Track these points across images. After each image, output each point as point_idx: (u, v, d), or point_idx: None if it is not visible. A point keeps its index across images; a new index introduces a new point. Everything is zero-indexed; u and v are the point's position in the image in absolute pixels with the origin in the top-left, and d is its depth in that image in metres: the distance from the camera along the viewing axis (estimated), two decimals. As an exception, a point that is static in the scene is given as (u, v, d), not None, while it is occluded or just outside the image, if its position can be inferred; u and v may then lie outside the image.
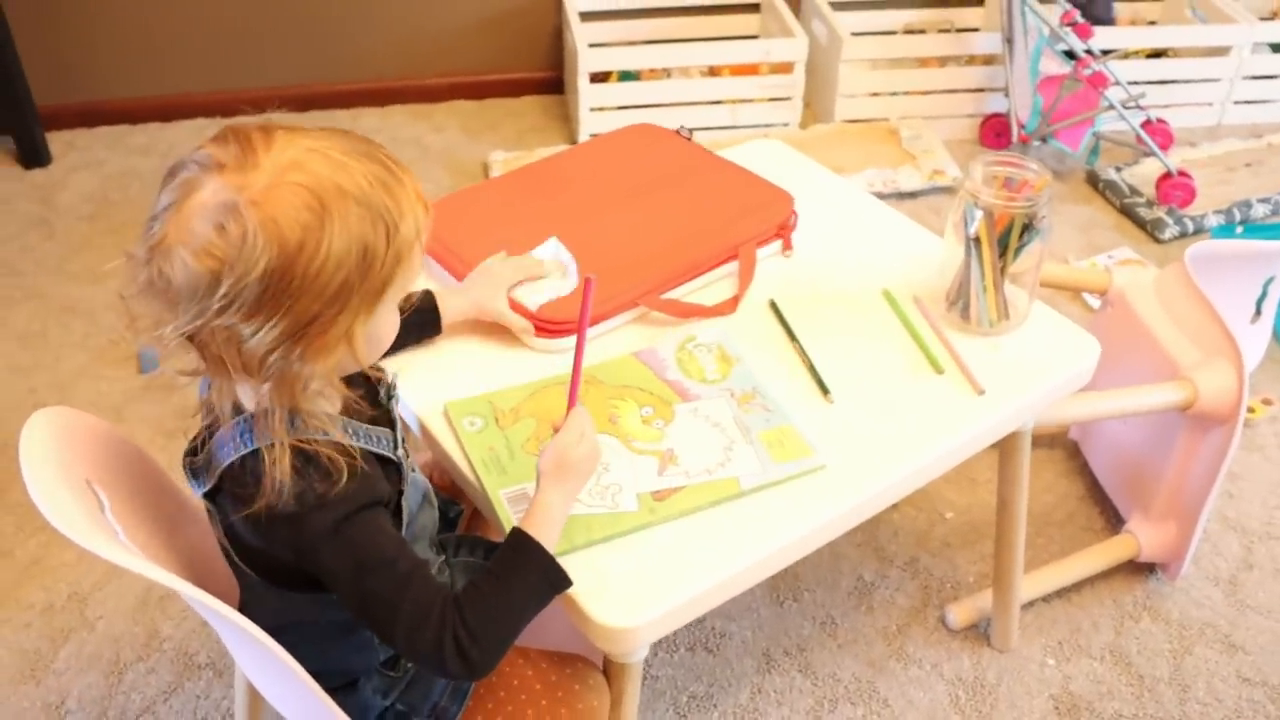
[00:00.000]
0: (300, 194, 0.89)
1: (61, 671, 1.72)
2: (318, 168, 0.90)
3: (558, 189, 1.58)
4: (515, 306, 1.36)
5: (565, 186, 1.58)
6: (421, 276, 1.44)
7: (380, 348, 1.02)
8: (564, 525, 1.09)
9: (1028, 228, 1.35)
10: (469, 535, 1.31)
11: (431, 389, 1.30)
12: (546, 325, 1.35)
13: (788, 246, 1.53)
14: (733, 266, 1.49)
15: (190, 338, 0.93)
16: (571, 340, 1.35)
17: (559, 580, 1.04)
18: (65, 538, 0.91)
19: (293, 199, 0.88)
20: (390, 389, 1.12)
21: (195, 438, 1.03)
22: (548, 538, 1.05)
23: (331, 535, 0.96)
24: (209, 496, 1.02)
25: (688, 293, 1.45)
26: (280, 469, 0.94)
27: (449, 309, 1.35)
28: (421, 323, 1.33)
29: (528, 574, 1.03)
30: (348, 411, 1.03)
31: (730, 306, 1.43)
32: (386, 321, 1.00)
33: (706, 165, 1.62)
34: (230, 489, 0.99)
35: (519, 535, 1.05)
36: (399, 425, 1.10)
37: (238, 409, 0.98)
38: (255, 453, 0.96)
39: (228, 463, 0.98)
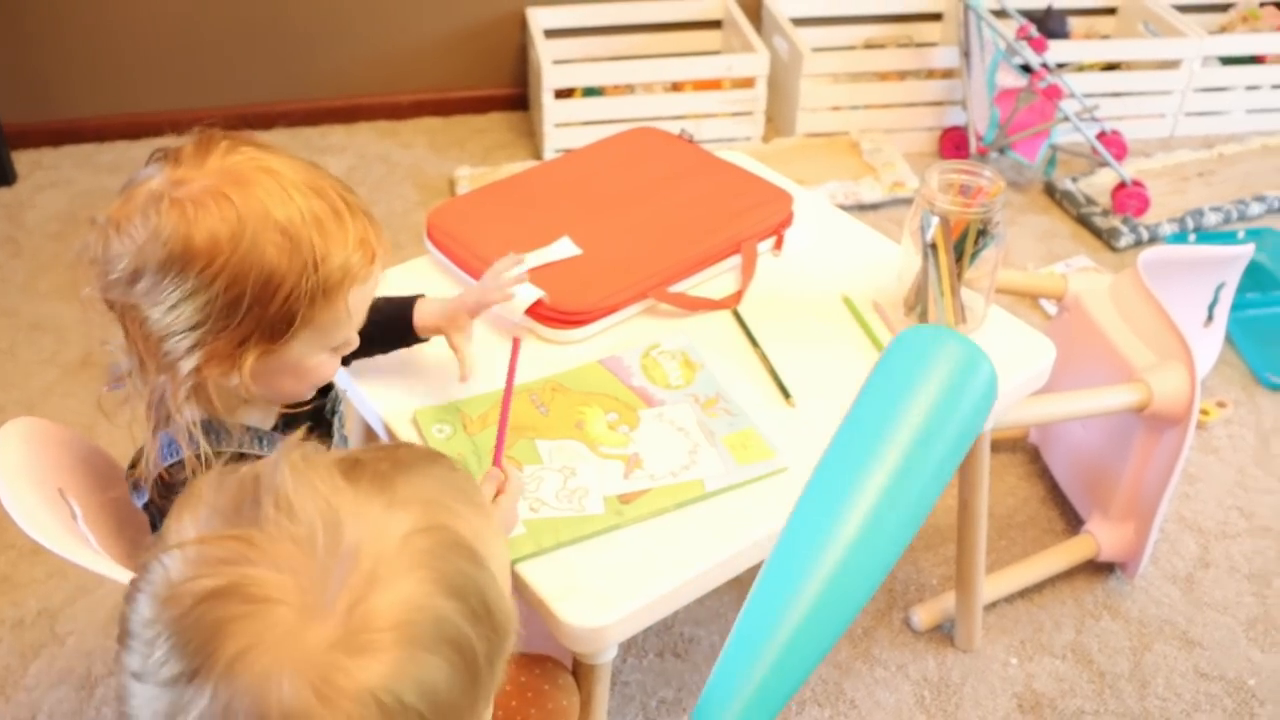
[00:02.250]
0: (225, 207, 0.92)
1: (32, 687, 1.72)
2: (257, 189, 0.93)
3: (566, 189, 1.62)
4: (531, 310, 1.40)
5: (573, 187, 1.63)
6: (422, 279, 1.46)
7: (296, 387, 1.03)
8: None
9: (983, 233, 1.38)
10: None
11: (400, 396, 1.32)
12: (558, 316, 1.39)
13: (779, 245, 1.57)
14: (734, 261, 1.53)
15: (120, 320, 0.97)
16: (579, 331, 1.40)
17: None
18: (34, 554, 0.93)
19: (215, 209, 0.92)
20: (334, 404, 1.16)
21: (137, 452, 1.05)
22: None
23: None
24: (148, 508, 1.04)
25: (692, 286, 1.51)
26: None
27: (423, 313, 1.30)
28: (385, 336, 1.30)
29: None
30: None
31: (735, 300, 1.48)
32: (303, 361, 1.01)
33: (708, 166, 1.67)
34: (159, 501, 1.01)
35: None
36: (334, 440, 1.12)
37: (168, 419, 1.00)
38: (181, 463, 0.98)
39: (156, 474, 1.00)
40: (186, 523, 0.64)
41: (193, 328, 0.95)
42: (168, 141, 0.97)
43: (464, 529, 0.68)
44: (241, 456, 1.03)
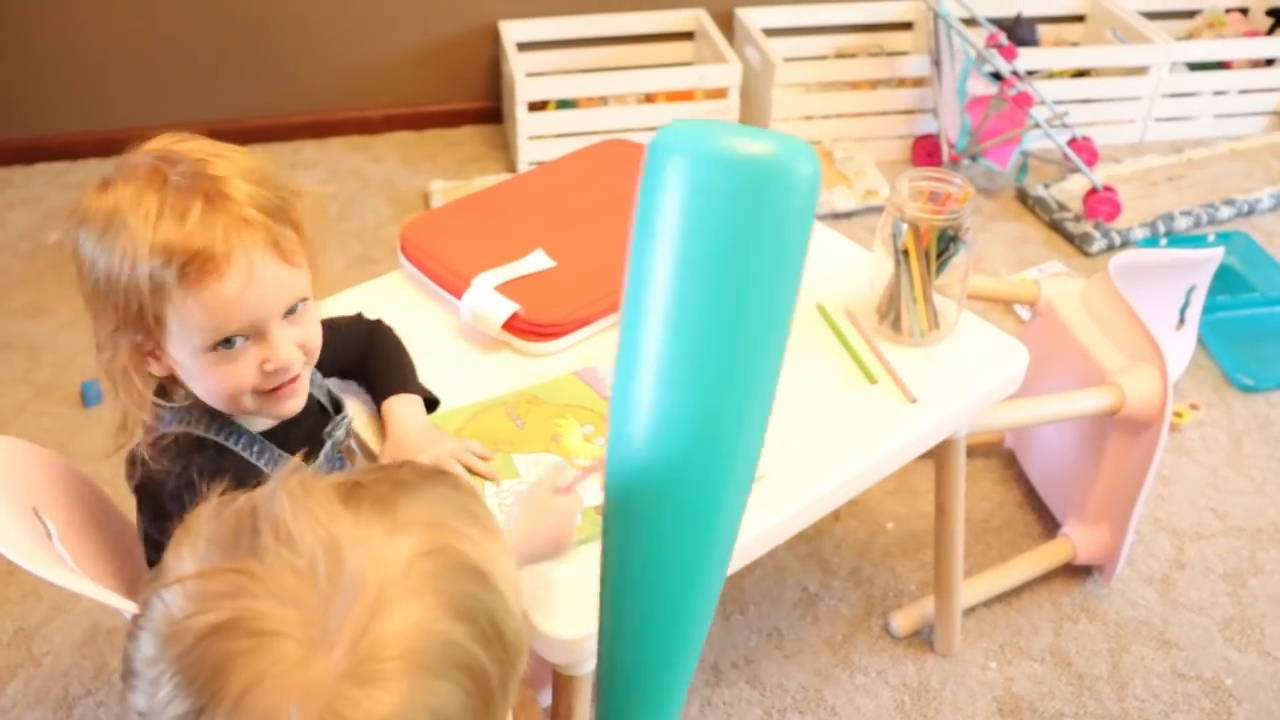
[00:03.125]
0: (104, 200, 0.97)
1: (9, 709, 1.71)
2: (140, 182, 0.96)
3: (540, 202, 1.63)
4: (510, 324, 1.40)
5: (547, 200, 1.63)
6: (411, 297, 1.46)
7: (210, 390, 1.02)
8: None
9: (953, 239, 1.39)
10: None
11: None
12: (533, 329, 1.40)
13: None
14: None
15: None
16: (554, 344, 1.40)
17: None
18: (9, 574, 0.93)
19: (99, 204, 0.97)
20: (336, 427, 1.15)
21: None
22: None
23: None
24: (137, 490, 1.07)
25: None
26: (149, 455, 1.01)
27: (389, 417, 1.27)
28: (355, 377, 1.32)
29: None
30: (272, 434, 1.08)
31: None
32: (186, 361, 1.00)
33: None
34: (144, 472, 1.05)
35: None
36: (319, 461, 1.12)
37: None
38: (160, 439, 1.03)
39: (138, 449, 1.05)
40: (185, 557, 0.63)
41: (89, 298, 1.00)
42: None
43: (470, 549, 0.66)
44: (220, 450, 1.06)
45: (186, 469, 1.02)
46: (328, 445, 1.14)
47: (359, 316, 1.34)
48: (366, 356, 1.30)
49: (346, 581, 0.60)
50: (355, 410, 1.29)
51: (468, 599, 0.63)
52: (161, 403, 1.05)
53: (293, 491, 0.64)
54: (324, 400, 1.18)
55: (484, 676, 0.63)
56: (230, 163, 1.00)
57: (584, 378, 1.37)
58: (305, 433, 1.12)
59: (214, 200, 0.95)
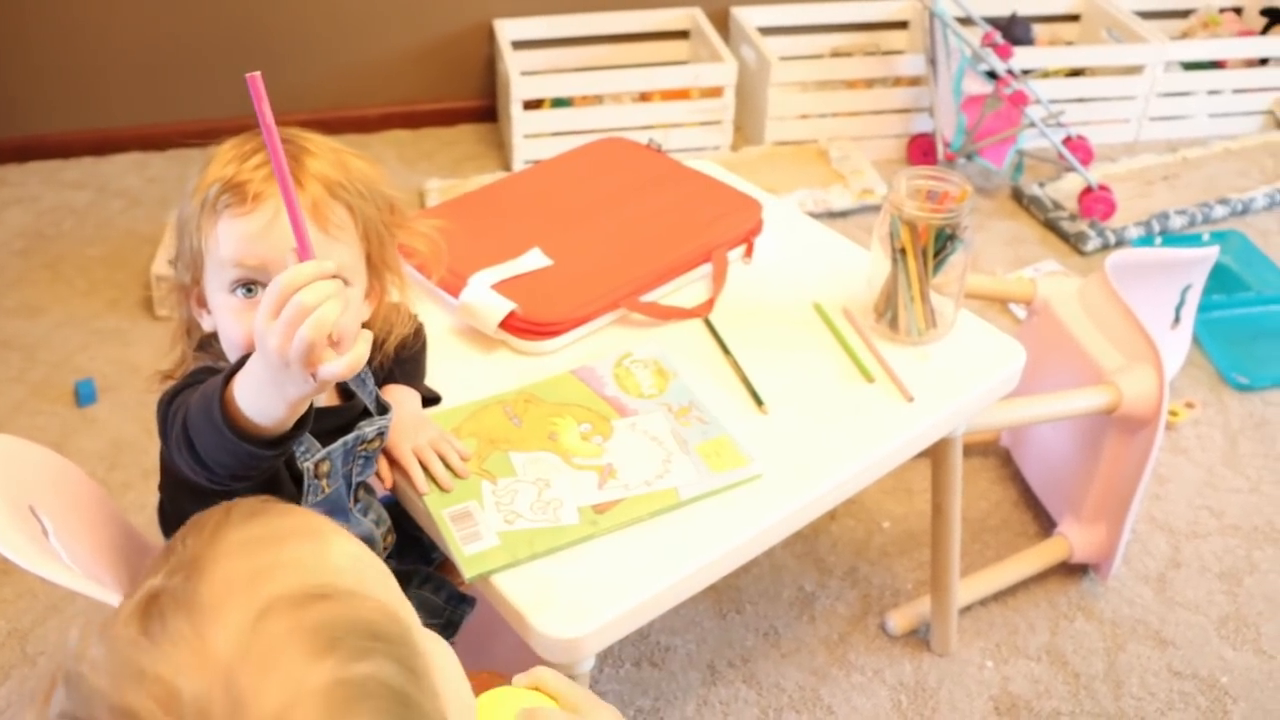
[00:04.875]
0: (207, 153, 1.08)
1: (3, 709, 1.70)
2: (240, 139, 1.07)
3: (536, 200, 1.62)
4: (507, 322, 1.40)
5: (543, 198, 1.63)
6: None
7: (225, 330, 1.06)
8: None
9: (951, 238, 1.39)
10: (436, 574, 1.32)
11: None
12: (530, 327, 1.39)
13: (750, 253, 1.58)
14: (705, 270, 1.53)
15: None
16: (551, 342, 1.40)
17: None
18: (3, 574, 0.92)
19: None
20: (368, 423, 1.14)
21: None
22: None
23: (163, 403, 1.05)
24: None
25: (663, 295, 1.50)
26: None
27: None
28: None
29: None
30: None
31: (707, 308, 1.48)
32: (212, 298, 1.06)
33: (678, 175, 1.67)
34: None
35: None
36: (340, 448, 1.11)
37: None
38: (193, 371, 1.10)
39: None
40: None
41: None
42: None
43: (291, 575, 0.58)
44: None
45: (194, 376, 1.05)
46: (351, 436, 1.13)
47: (405, 309, 1.31)
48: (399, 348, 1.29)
49: (200, 710, 0.52)
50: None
51: (323, 623, 0.56)
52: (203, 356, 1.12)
53: (99, 637, 0.55)
54: (370, 405, 1.18)
55: (385, 684, 0.56)
56: (327, 148, 1.09)
57: (582, 376, 1.37)
58: (336, 426, 1.12)
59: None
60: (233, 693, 0.52)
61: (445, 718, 0.60)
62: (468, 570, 1.12)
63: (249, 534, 0.60)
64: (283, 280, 0.83)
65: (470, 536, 1.15)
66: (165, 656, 0.53)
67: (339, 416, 1.13)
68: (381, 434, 1.17)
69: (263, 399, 0.89)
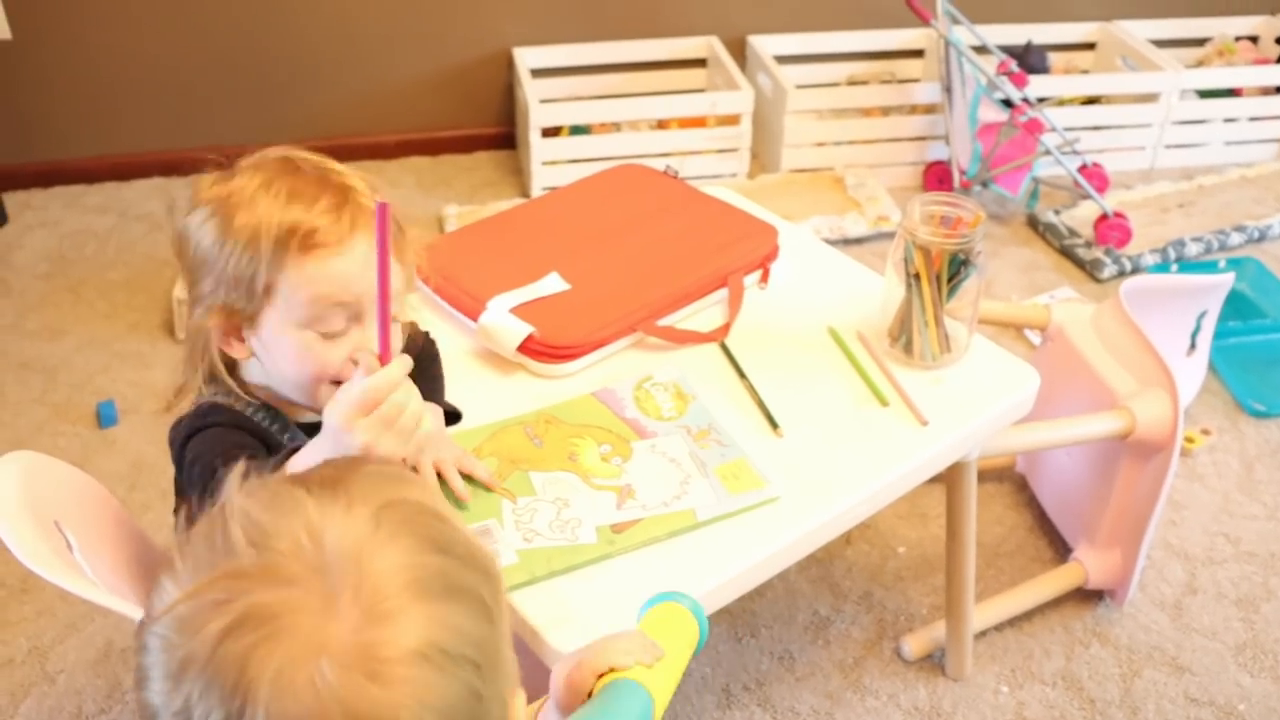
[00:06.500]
0: (227, 185, 1.09)
1: (23, 727, 1.72)
2: (269, 172, 1.07)
3: (554, 225, 1.64)
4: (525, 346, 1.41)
5: (561, 223, 1.64)
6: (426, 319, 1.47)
7: (288, 371, 1.09)
8: None
9: (965, 263, 1.40)
10: None
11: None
12: (548, 350, 1.41)
13: (765, 278, 1.59)
14: (721, 294, 1.55)
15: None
16: (569, 365, 1.41)
17: None
18: (24, 592, 0.94)
19: (221, 189, 1.09)
20: None
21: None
22: None
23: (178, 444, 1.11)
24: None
25: (679, 320, 1.52)
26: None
27: None
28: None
29: None
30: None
31: (723, 333, 1.50)
32: (277, 336, 1.07)
33: (694, 201, 1.69)
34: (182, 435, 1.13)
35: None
36: None
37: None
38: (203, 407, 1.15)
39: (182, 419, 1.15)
40: (168, 588, 0.63)
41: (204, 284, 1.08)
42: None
43: (419, 497, 0.70)
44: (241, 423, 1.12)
45: (209, 416, 1.10)
46: None
47: (415, 325, 1.35)
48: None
49: (330, 551, 0.62)
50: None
51: (437, 534, 0.67)
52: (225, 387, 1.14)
53: (251, 490, 0.66)
54: None
55: (478, 595, 0.66)
56: (346, 169, 1.12)
57: (602, 398, 1.39)
58: None
59: (341, 191, 1.06)
60: (351, 552, 0.62)
61: (511, 659, 0.69)
62: (486, 588, 1.13)
63: (385, 468, 0.72)
64: (374, 385, 0.96)
65: (488, 555, 1.16)
66: (320, 506, 0.64)
67: None
68: None
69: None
